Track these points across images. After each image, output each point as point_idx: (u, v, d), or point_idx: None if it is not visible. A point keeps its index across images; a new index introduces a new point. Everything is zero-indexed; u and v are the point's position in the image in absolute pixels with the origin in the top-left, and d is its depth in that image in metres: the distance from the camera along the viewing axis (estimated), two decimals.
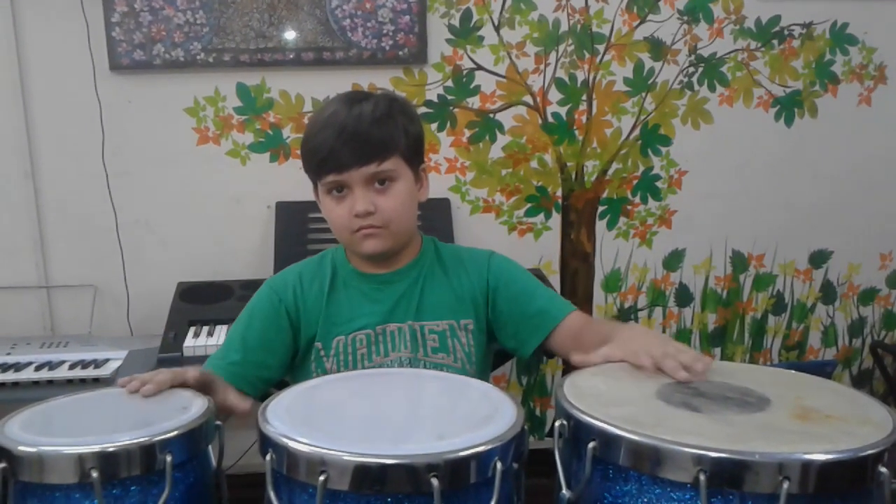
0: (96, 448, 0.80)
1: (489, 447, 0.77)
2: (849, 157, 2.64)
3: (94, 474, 0.78)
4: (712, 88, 2.55)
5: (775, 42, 2.54)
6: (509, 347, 1.34)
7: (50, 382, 1.87)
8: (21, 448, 0.81)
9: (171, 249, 2.42)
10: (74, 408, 0.96)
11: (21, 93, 2.29)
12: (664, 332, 2.69)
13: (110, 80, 2.31)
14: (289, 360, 1.31)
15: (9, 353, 2.01)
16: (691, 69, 2.52)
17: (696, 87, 2.54)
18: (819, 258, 2.72)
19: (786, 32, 2.53)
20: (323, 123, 1.21)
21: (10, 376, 1.87)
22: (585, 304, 2.59)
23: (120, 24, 2.26)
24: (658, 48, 2.49)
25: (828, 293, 2.75)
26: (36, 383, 1.87)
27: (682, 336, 2.71)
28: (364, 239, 1.24)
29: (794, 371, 0.99)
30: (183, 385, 1.01)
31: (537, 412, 2.70)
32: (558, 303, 1.31)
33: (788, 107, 2.59)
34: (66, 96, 2.31)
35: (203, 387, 1.03)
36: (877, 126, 2.63)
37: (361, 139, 1.19)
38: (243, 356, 1.26)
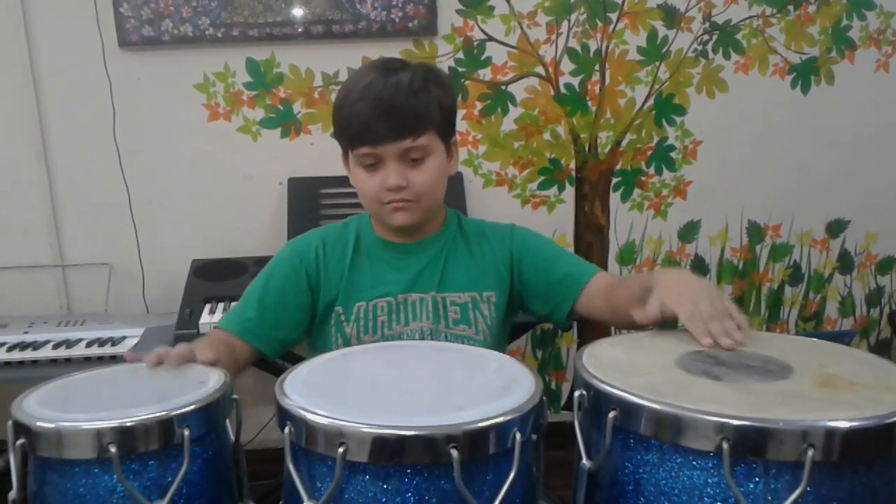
0: (114, 423, 0.80)
1: (508, 418, 0.77)
2: (866, 125, 2.60)
3: (113, 449, 0.78)
4: (727, 56, 2.51)
5: (791, 8, 2.49)
6: (544, 314, 1.34)
7: (67, 360, 1.88)
8: (40, 424, 0.81)
9: (185, 227, 2.42)
10: (92, 383, 0.97)
11: (31, 73, 2.28)
12: None
13: (119, 57, 2.30)
14: (306, 322, 1.31)
15: (26, 332, 2.02)
16: (706, 37, 2.48)
17: (711, 55, 2.50)
18: (836, 228, 2.69)
19: None
20: (359, 94, 1.19)
21: (28, 355, 1.88)
22: None
23: (128, 0, 2.24)
24: (672, 16, 2.45)
25: (845, 263, 2.73)
26: (54, 361, 1.88)
27: None
28: (394, 212, 1.23)
29: (815, 339, 0.98)
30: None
31: (553, 385, 2.70)
32: (583, 266, 1.31)
33: (804, 74, 2.55)
34: (76, 75, 2.30)
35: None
36: (895, 92, 2.58)
37: (397, 113, 1.17)
38: (259, 313, 1.26)
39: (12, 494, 0.82)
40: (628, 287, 1.17)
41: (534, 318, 1.41)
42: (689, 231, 2.63)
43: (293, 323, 1.30)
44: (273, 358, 1.29)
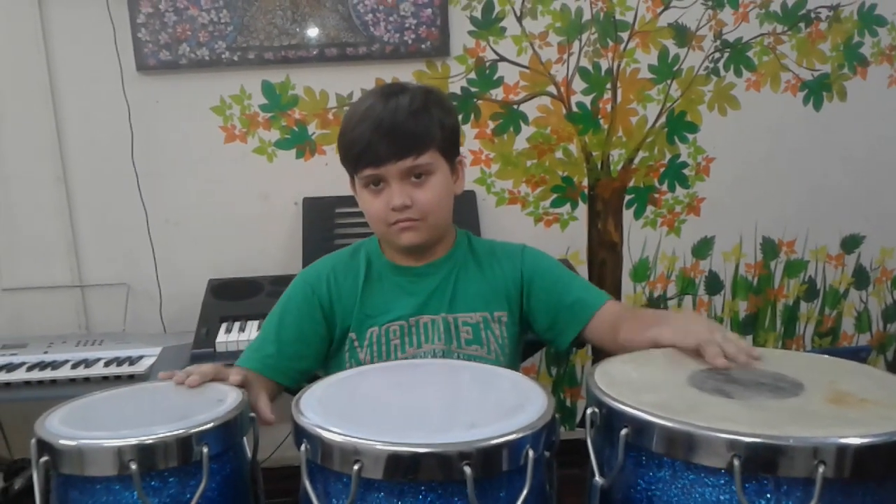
0: (135, 441, 0.81)
1: (520, 435, 0.77)
2: (879, 140, 2.60)
3: (133, 466, 0.80)
4: (739, 74, 2.52)
5: (802, 25, 2.50)
6: (546, 339, 1.35)
7: (86, 380, 1.90)
8: (62, 442, 0.83)
9: (201, 247, 2.45)
10: (113, 402, 0.98)
11: (51, 97, 2.33)
12: None
13: (137, 80, 2.34)
14: (324, 351, 1.32)
15: (45, 352, 2.05)
16: (717, 55, 2.50)
17: (723, 72, 2.51)
18: (851, 243, 2.68)
19: (812, 15, 2.50)
20: (360, 117, 1.22)
21: (47, 374, 1.90)
22: (614, 293, 2.58)
23: (145, 24, 2.29)
24: (683, 34, 2.47)
25: (860, 278, 2.71)
26: (73, 381, 1.90)
27: None
28: (401, 232, 1.25)
29: (827, 356, 0.98)
30: (221, 381, 1.03)
31: (567, 403, 2.69)
32: (594, 293, 1.31)
33: (817, 90, 2.55)
34: (95, 99, 2.34)
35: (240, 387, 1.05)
36: None
37: (398, 133, 1.19)
38: (278, 348, 1.27)
39: None
40: (641, 319, 1.17)
41: (528, 338, 1.40)
42: (703, 247, 2.63)
43: (312, 354, 1.31)
44: (292, 387, 1.30)
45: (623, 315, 1.24)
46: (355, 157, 1.23)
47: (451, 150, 1.28)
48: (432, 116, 1.23)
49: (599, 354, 2.43)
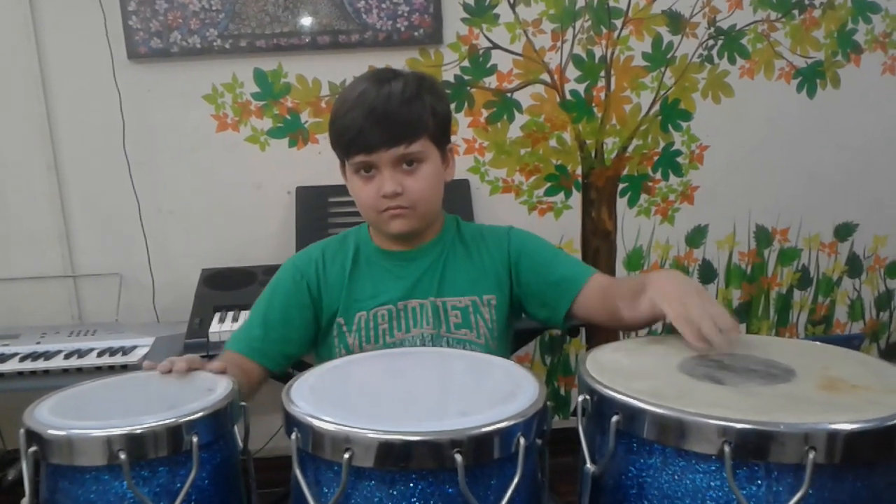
0: (124, 430, 0.81)
1: (512, 423, 0.77)
2: (873, 128, 2.60)
3: (123, 456, 0.79)
4: (732, 61, 2.51)
5: (796, 12, 2.50)
6: (542, 318, 1.34)
7: (79, 370, 1.89)
8: (51, 432, 0.82)
9: (194, 236, 2.44)
10: (102, 392, 0.98)
11: (41, 85, 2.31)
12: None
13: (129, 69, 2.32)
14: (311, 336, 1.33)
15: (38, 343, 2.04)
16: (711, 42, 2.49)
17: (717, 60, 2.50)
18: (844, 231, 2.68)
19: (806, 2, 2.49)
20: (352, 103, 1.21)
21: (40, 364, 1.90)
22: None
23: (136, 12, 2.27)
24: (676, 21, 2.46)
25: (854, 266, 2.72)
26: (65, 371, 1.89)
27: None
28: (391, 219, 1.25)
29: (819, 343, 0.98)
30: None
31: (561, 392, 2.70)
32: (580, 267, 1.31)
33: (810, 78, 2.55)
34: (86, 87, 2.33)
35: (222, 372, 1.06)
36: None
37: (390, 120, 1.19)
38: (265, 332, 1.28)
39: (25, 501, 0.83)
40: (621, 288, 1.18)
41: (535, 323, 1.40)
42: (696, 236, 2.63)
43: (298, 338, 1.31)
44: (279, 372, 1.30)
45: (610, 285, 1.24)
46: (347, 143, 1.23)
47: (442, 137, 1.28)
48: (425, 104, 1.22)
49: (593, 343, 2.44)
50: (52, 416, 0.86)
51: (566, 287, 1.28)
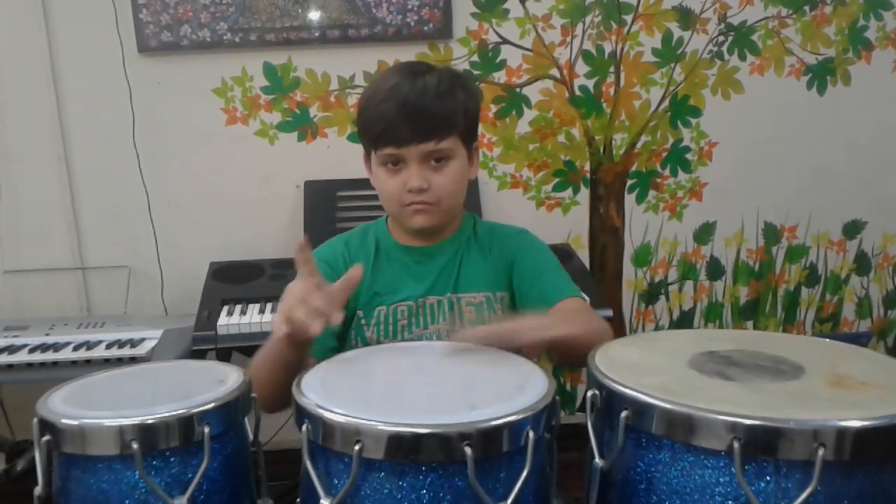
0: (136, 420, 0.81)
1: (521, 416, 0.78)
2: (883, 125, 2.59)
3: (135, 446, 0.80)
4: (743, 57, 2.50)
5: (807, 8, 2.49)
6: None
7: (88, 362, 1.90)
8: (64, 421, 0.83)
9: (203, 229, 2.45)
10: (114, 382, 0.99)
11: (52, 78, 2.32)
12: (695, 305, 2.67)
13: (139, 62, 2.33)
14: (340, 328, 1.31)
15: (47, 334, 2.06)
16: (721, 38, 2.48)
17: (727, 56, 2.50)
18: (853, 229, 2.68)
19: None
20: (384, 94, 1.19)
21: (49, 356, 1.91)
22: (615, 279, 2.58)
23: (147, 5, 2.28)
24: (687, 17, 2.45)
25: (862, 264, 2.71)
26: (74, 363, 1.90)
27: (714, 309, 2.69)
28: (414, 214, 1.24)
29: (828, 339, 0.98)
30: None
31: (568, 387, 2.70)
32: (559, 288, 1.29)
33: (821, 75, 2.54)
34: (97, 80, 2.34)
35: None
36: None
37: (423, 115, 1.18)
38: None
39: (38, 490, 0.84)
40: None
41: None
42: (704, 232, 2.63)
43: (335, 331, 1.30)
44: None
45: (570, 314, 1.23)
46: (376, 135, 1.21)
47: (471, 136, 1.28)
48: (458, 100, 1.21)
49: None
50: (66, 405, 0.87)
51: (537, 305, 1.27)
